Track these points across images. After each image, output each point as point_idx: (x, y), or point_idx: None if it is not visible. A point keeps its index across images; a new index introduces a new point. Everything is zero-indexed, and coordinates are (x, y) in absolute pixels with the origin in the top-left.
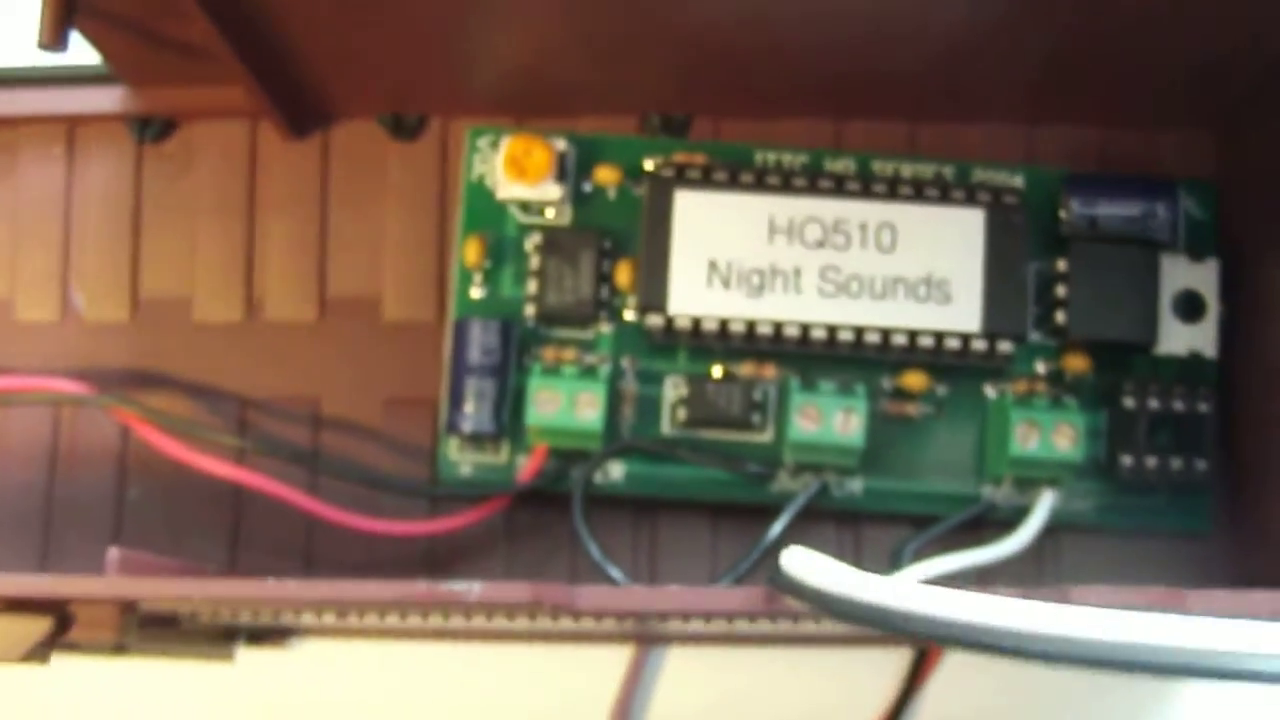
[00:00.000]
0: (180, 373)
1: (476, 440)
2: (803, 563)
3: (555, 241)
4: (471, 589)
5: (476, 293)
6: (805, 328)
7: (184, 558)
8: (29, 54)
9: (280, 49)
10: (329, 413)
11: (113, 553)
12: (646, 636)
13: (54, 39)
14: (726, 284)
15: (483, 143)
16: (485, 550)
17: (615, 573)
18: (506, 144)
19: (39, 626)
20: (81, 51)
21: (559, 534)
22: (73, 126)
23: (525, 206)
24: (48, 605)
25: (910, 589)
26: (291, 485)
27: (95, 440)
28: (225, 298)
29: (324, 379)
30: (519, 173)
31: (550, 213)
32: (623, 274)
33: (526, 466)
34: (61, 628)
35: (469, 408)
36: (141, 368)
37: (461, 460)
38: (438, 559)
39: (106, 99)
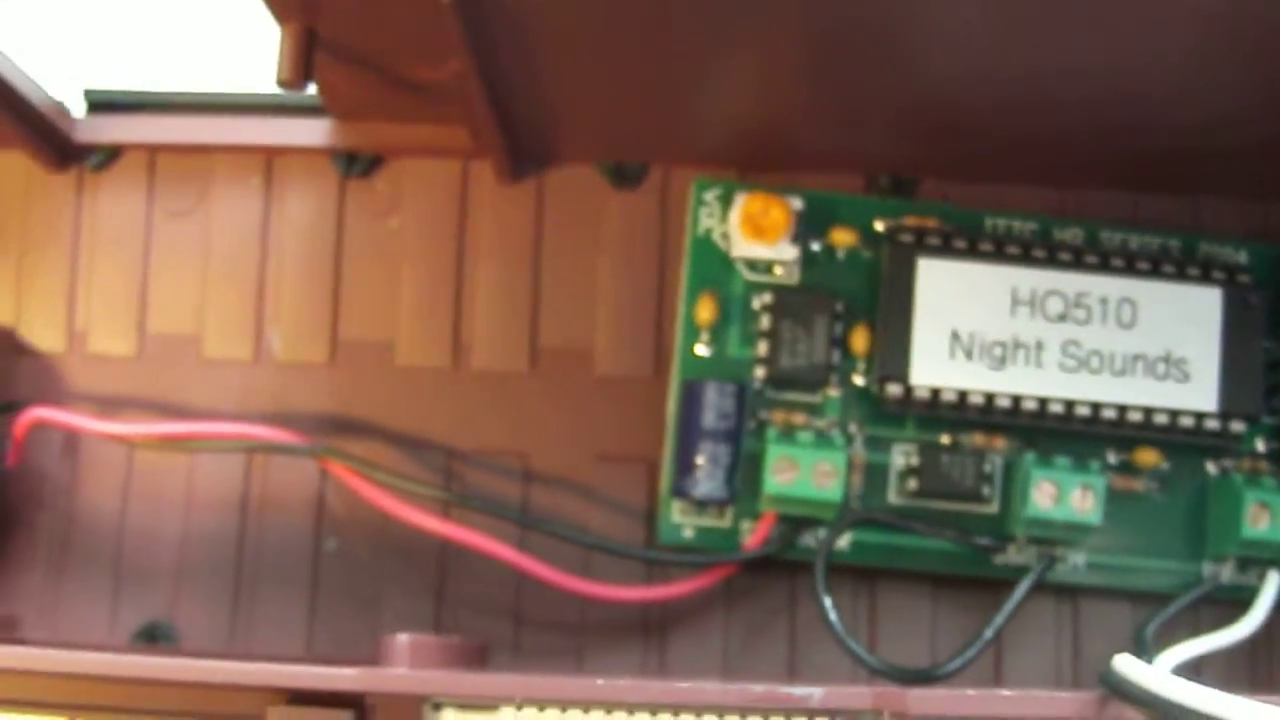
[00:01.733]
0: (381, 419)
1: (703, 504)
2: (1140, 670)
3: (788, 303)
4: (812, 694)
5: (702, 350)
6: (1043, 402)
7: (385, 614)
8: (225, 80)
9: (518, 91)
10: (538, 467)
11: (401, 639)
12: None
13: (295, 75)
14: (969, 355)
15: (709, 196)
16: (701, 614)
17: (857, 647)
18: (743, 201)
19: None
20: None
21: (775, 599)
22: (271, 157)
23: (753, 264)
24: (346, 699)
25: (1256, 708)
26: (501, 541)
27: (290, 488)
28: (431, 343)
29: (534, 432)
30: (756, 231)
31: (779, 271)
32: (858, 339)
33: (755, 533)
34: None
35: (701, 472)
36: (339, 413)
37: (684, 523)
38: (651, 623)
39: (310, 131)
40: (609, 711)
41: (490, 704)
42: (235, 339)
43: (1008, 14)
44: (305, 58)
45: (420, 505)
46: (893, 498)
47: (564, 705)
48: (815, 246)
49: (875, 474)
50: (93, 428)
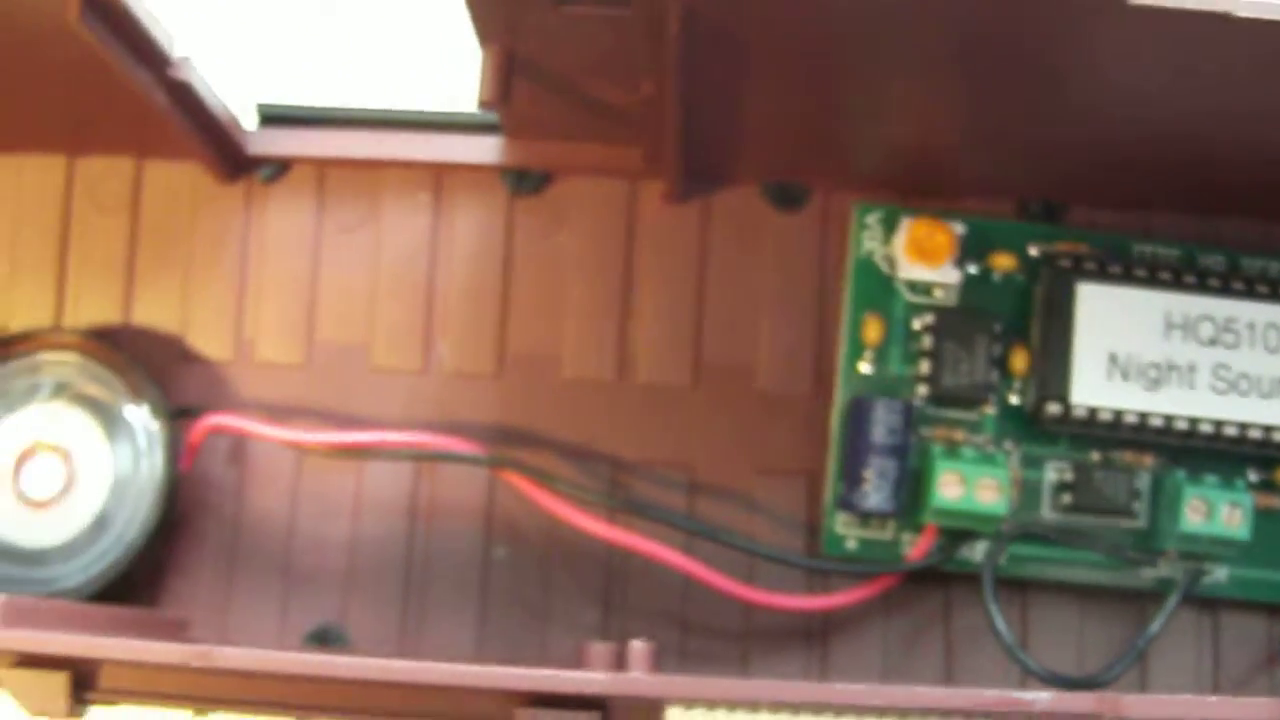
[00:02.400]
0: (547, 430)
1: (869, 517)
2: None
3: (951, 323)
4: (1039, 699)
5: (865, 369)
6: (1194, 421)
7: (555, 620)
8: (394, 97)
9: (705, 115)
10: (701, 479)
11: (637, 646)
12: None
13: (496, 96)
14: (1125, 377)
15: (870, 219)
16: (861, 623)
17: (1026, 658)
18: (909, 226)
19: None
20: (450, 98)
21: (931, 608)
22: (440, 174)
23: (914, 286)
24: (591, 702)
25: None
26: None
27: (459, 496)
28: (596, 356)
29: (697, 445)
30: (921, 254)
31: (939, 293)
32: (1018, 360)
33: (917, 545)
34: None
35: (869, 486)
36: (505, 423)
37: (848, 535)
38: (813, 631)
39: (480, 148)
40: (838, 714)
41: (730, 707)
42: (404, 349)
43: (1172, 60)
44: (506, 79)
45: (592, 514)
46: (1046, 512)
47: (796, 709)
48: (972, 269)
49: (1029, 489)
50: (271, 434)
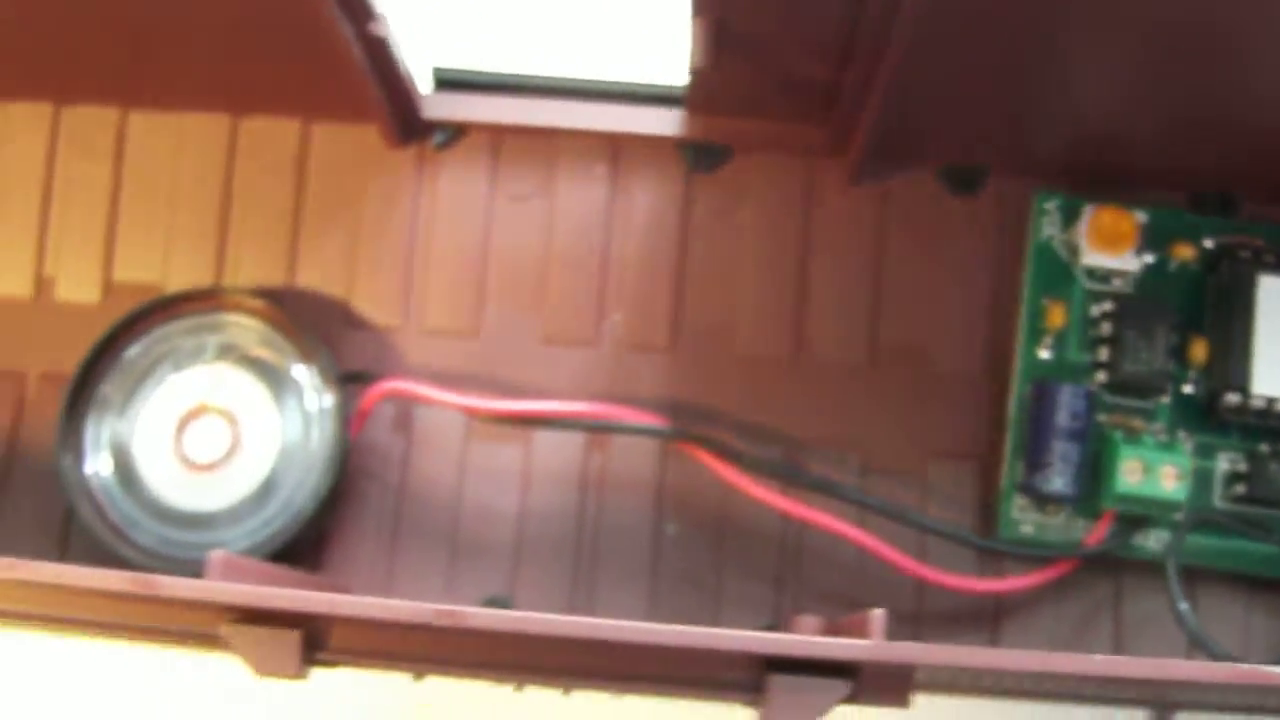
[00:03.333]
0: (720, 406)
1: (1047, 501)
2: None
3: (1132, 311)
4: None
5: (1044, 354)
6: None
7: (726, 598)
8: (571, 65)
9: (903, 94)
10: (874, 460)
11: (877, 614)
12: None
13: (708, 65)
14: None
15: (1049, 206)
16: (1032, 607)
17: (1214, 645)
18: (1093, 214)
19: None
20: (628, 68)
21: (1102, 594)
22: (616, 144)
23: (1093, 273)
24: (844, 668)
25: None
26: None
27: (630, 471)
28: (771, 334)
29: (870, 425)
30: (1104, 242)
31: (1118, 281)
32: (1197, 350)
33: (1094, 531)
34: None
35: (1052, 470)
36: (678, 398)
37: (1023, 519)
38: (984, 613)
39: (658, 120)
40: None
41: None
42: (575, 320)
43: None
44: (716, 49)
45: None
46: (1217, 501)
47: (1039, 678)
48: (1149, 259)
49: (1201, 478)
50: (450, 401)
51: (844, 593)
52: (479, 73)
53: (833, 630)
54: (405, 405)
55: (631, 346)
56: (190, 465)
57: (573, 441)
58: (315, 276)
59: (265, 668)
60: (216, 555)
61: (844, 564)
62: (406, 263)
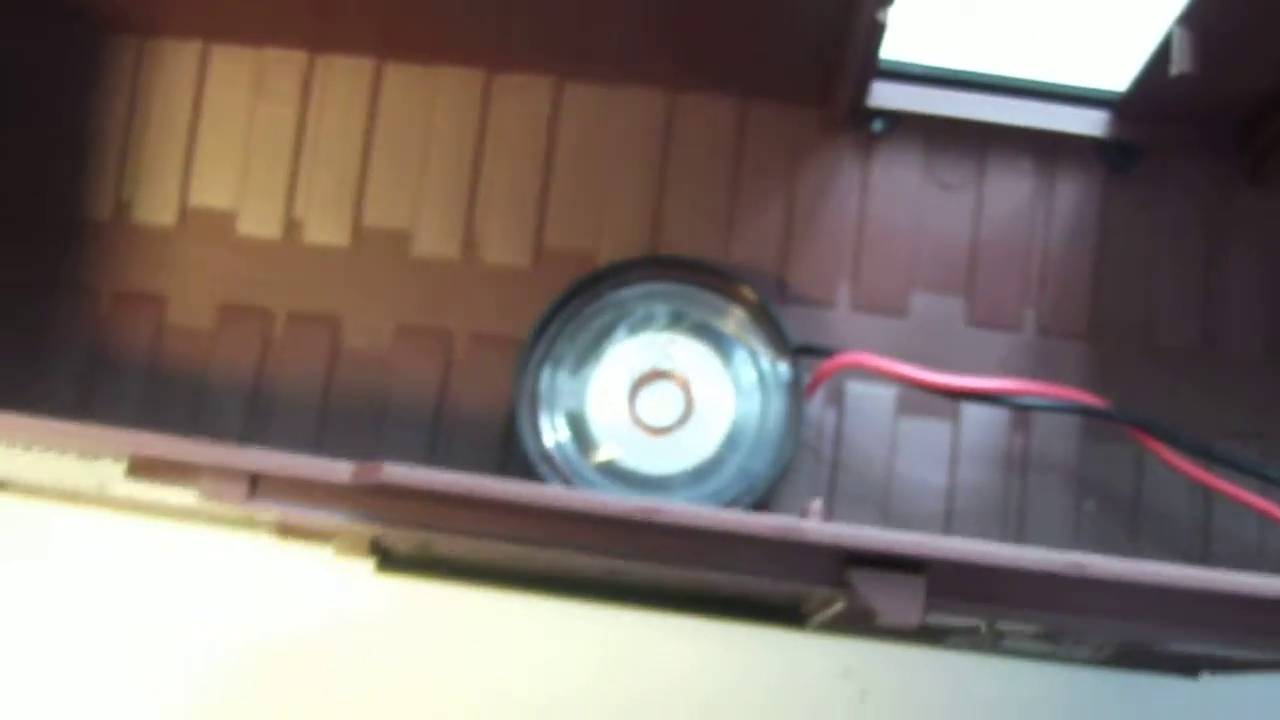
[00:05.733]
0: (1134, 396)
1: None
2: None
3: None
4: None
5: None
6: None
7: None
8: (1004, 63)
9: None
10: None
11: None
12: None
13: (1193, 70)
14: None
15: None
16: None
17: None
18: None
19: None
20: (1056, 68)
21: None
22: (1044, 142)
23: None
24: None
25: None
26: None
27: (1051, 450)
28: (1185, 327)
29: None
30: None
31: None
32: None
33: None
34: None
35: None
36: (1097, 384)
37: None
38: None
39: (1086, 120)
40: None
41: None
42: (1000, 306)
43: None
44: (1200, 55)
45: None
46: None
47: None
48: None
49: None
50: (921, 377)
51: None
52: (919, 65)
53: None
54: (838, 380)
55: (1054, 334)
56: (644, 428)
57: (998, 420)
58: (748, 252)
59: (891, 612)
60: (816, 503)
61: (1247, 544)
62: (840, 242)
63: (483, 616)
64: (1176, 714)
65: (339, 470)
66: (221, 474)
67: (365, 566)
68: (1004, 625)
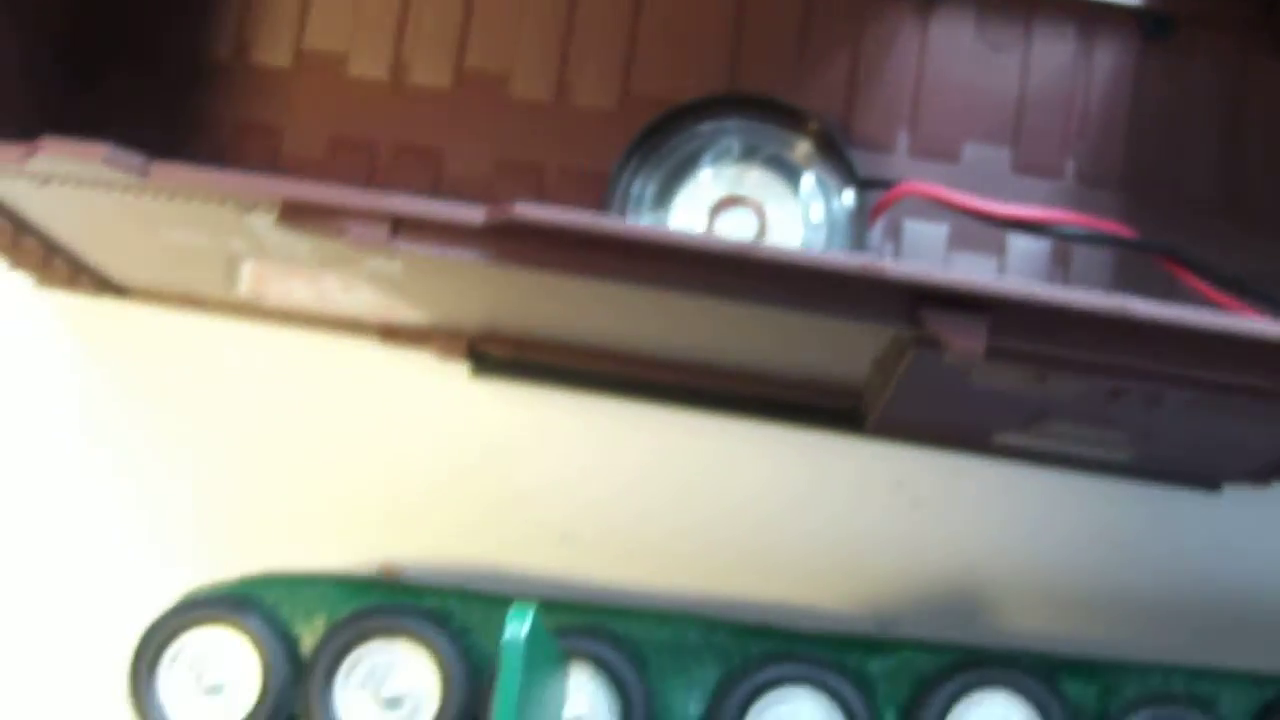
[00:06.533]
0: (1165, 237)
1: None
2: None
3: None
4: None
5: None
6: None
7: None
8: None
9: None
10: None
11: None
12: None
13: None
14: None
15: None
16: None
17: None
18: None
19: None
20: None
21: None
22: (1085, 10)
23: None
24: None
25: None
26: None
27: (1087, 283)
28: (1206, 176)
29: None
30: None
31: None
32: None
33: None
34: None
35: None
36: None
37: None
38: None
39: None
40: None
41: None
42: (1045, 157)
43: None
44: None
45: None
46: None
47: None
48: None
49: None
50: (972, 204)
51: None
52: None
53: None
54: (897, 216)
55: (1091, 182)
56: None
57: (1040, 255)
58: (817, 97)
59: (958, 343)
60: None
61: None
62: (900, 93)
63: (574, 425)
64: (1217, 525)
65: (473, 213)
66: (366, 215)
67: (461, 371)
68: (1054, 383)
